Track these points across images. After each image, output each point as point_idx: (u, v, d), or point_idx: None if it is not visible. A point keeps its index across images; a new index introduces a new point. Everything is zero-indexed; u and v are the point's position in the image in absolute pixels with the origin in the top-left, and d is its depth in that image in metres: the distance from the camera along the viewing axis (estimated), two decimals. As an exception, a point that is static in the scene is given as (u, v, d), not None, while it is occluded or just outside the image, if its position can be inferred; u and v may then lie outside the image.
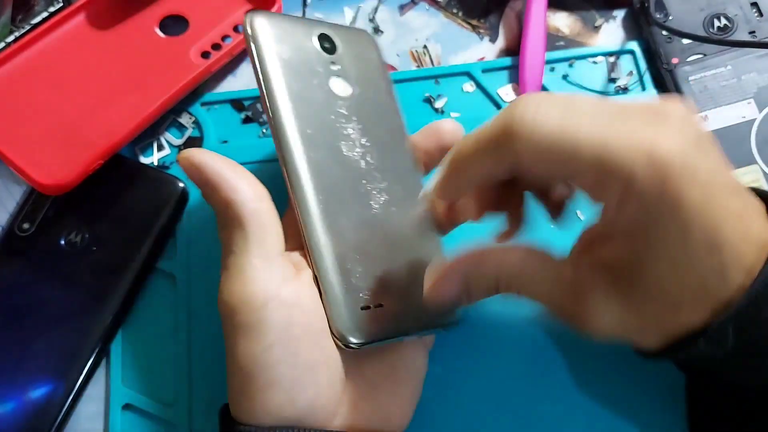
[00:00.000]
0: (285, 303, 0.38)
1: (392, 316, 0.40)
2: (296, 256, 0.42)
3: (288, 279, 0.40)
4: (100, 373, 0.52)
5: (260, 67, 0.43)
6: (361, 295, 0.39)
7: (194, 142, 0.59)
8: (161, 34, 0.61)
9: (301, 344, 0.38)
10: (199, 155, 0.42)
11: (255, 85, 0.61)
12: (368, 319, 0.39)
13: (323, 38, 0.48)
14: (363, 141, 0.45)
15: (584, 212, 0.55)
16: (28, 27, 0.61)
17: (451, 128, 0.48)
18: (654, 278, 0.35)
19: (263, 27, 0.44)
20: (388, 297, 0.40)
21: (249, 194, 0.42)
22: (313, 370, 0.38)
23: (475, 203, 0.42)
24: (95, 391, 0.52)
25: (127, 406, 0.51)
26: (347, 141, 0.45)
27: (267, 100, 0.43)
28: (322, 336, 0.39)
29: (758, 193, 0.37)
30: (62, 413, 0.49)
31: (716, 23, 0.62)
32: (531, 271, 0.38)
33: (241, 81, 0.62)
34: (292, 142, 0.43)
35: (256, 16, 0.45)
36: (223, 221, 0.42)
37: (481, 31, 0.64)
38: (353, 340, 0.38)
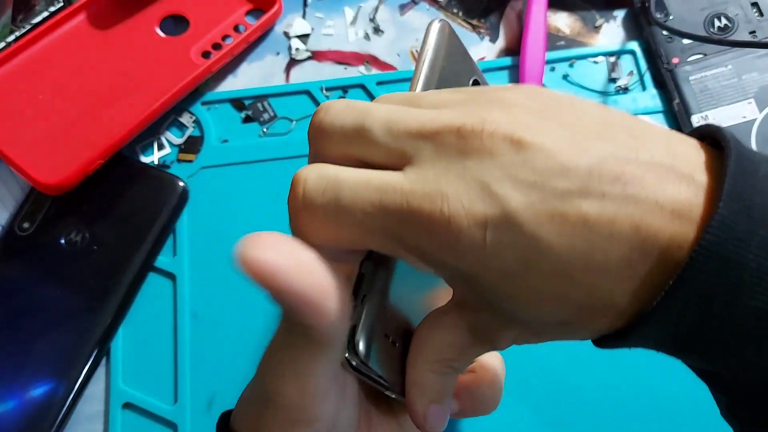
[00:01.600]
0: (340, 392, 0.36)
1: (396, 360, 0.39)
2: None
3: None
4: (101, 371, 0.52)
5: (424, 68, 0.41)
6: (387, 324, 0.38)
7: (195, 141, 0.59)
8: (162, 34, 0.61)
9: (334, 424, 0.37)
10: (264, 260, 0.30)
11: (255, 85, 0.61)
12: (381, 350, 0.38)
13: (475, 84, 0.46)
14: None
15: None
16: (28, 27, 0.61)
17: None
18: (525, 319, 0.31)
19: (443, 39, 0.43)
20: (403, 342, 0.39)
21: (335, 316, 0.31)
22: None
23: None
24: (96, 389, 0.52)
25: (127, 405, 0.51)
26: None
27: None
28: (352, 409, 0.38)
29: (700, 131, 0.31)
30: (63, 412, 0.49)
31: (717, 23, 0.62)
32: (449, 344, 0.35)
33: (241, 80, 0.62)
34: None
35: (446, 26, 0.43)
36: (293, 328, 0.33)
37: (482, 31, 0.64)
38: (361, 353, 0.37)
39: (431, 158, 0.29)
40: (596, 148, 0.28)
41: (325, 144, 0.32)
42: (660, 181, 0.27)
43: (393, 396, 0.39)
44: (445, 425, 0.37)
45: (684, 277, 0.26)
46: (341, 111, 0.31)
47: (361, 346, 0.36)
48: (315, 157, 0.32)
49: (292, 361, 0.34)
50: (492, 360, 0.43)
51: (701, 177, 0.27)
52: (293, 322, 0.32)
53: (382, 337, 0.36)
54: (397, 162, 0.30)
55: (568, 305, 0.28)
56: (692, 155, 0.28)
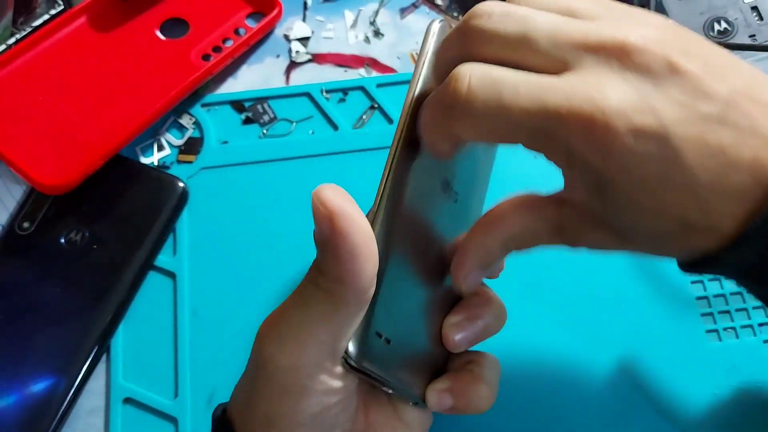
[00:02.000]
0: (332, 374, 0.36)
1: (390, 357, 0.39)
2: None
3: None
4: (101, 367, 0.52)
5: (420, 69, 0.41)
6: (380, 322, 0.38)
7: (194, 142, 0.59)
8: (162, 37, 0.61)
9: (330, 411, 0.36)
10: (342, 217, 0.32)
11: (255, 87, 0.61)
12: (377, 348, 0.38)
13: None
14: (455, 190, 0.44)
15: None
16: (29, 29, 0.61)
17: None
18: (627, 226, 0.33)
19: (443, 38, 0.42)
20: (400, 341, 0.39)
21: (365, 283, 0.34)
22: (331, 430, 0.37)
23: None
24: (96, 385, 0.52)
25: (127, 400, 0.51)
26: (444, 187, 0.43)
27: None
28: (349, 403, 0.38)
29: None
30: (63, 407, 0.49)
31: (716, 27, 0.62)
32: (529, 230, 0.37)
33: (241, 83, 0.62)
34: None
35: (446, 25, 0.43)
36: (320, 284, 0.35)
37: (481, 33, 0.64)
38: (352, 353, 0.37)
39: (593, 67, 0.31)
40: (729, 80, 0.30)
41: (482, 47, 0.33)
42: None
43: (389, 392, 0.39)
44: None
45: None
46: (503, 18, 0.33)
47: (353, 347, 0.36)
48: (466, 56, 0.33)
49: (294, 327, 0.35)
50: (490, 359, 0.43)
51: None
52: (320, 278, 0.34)
53: (375, 335, 0.36)
54: (556, 68, 0.31)
55: (680, 221, 0.31)
56: None
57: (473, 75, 0.32)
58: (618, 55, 0.30)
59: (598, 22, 0.32)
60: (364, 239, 0.33)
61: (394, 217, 0.37)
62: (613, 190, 0.31)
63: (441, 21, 0.41)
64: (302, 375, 0.35)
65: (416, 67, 0.39)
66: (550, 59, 0.32)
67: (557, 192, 0.36)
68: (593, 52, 0.31)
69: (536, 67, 0.32)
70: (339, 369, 0.36)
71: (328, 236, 0.33)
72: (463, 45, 0.34)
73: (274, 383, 0.36)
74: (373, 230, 0.35)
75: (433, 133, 0.35)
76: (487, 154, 0.47)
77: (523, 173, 0.56)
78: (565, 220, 0.35)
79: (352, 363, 0.36)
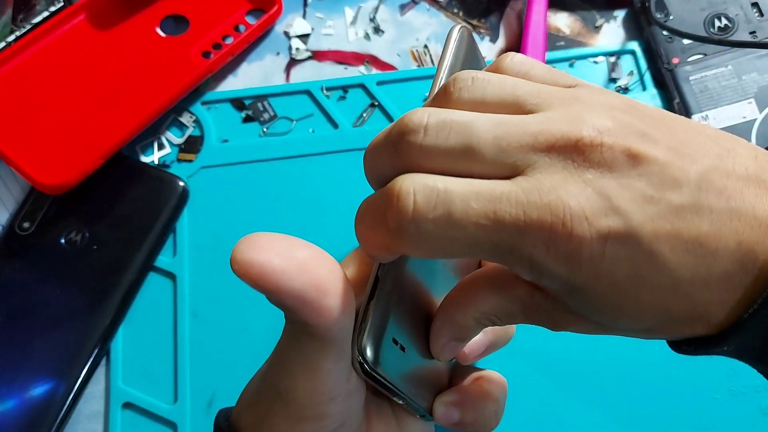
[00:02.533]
0: (350, 395, 0.36)
1: (404, 368, 0.39)
2: None
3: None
4: (101, 371, 0.52)
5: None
6: (395, 330, 0.38)
7: (195, 140, 0.59)
8: (162, 34, 0.61)
9: (341, 425, 0.36)
10: (257, 261, 0.30)
11: (255, 85, 0.61)
12: (390, 355, 0.38)
13: None
14: None
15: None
16: (29, 26, 0.61)
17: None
18: (607, 323, 0.31)
19: (462, 45, 0.42)
20: (412, 350, 0.39)
21: (335, 313, 0.31)
22: None
23: None
24: (96, 389, 0.52)
25: (127, 405, 0.51)
26: None
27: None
28: (357, 412, 0.38)
29: None
30: (63, 411, 0.49)
31: (717, 23, 0.62)
32: (501, 309, 0.35)
33: (241, 80, 0.62)
34: None
35: (465, 31, 0.43)
36: (295, 329, 0.34)
37: (482, 30, 0.64)
38: (369, 358, 0.37)
39: (547, 168, 0.28)
40: (698, 159, 0.28)
41: (422, 161, 0.30)
42: (757, 195, 0.28)
43: (400, 402, 0.39)
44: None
45: None
46: (439, 131, 0.29)
47: (370, 352, 0.36)
48: (408, 168, 0.30)
49: (302, 359, 0.34)
50: (499, 379, 0.43)
51: None
52: (296, 321, 0.32)
53: (391, 342, 0.36)
54: (507, 173, 0.29)
55: (662, 316, 0.29)
56: None
57: (418, 191, 0.28)
58: (573, 154, 0.28)
59: (547, 114, 0.29)
60: (307, 280, 0.30)
61: None
62: (586, 295, 0.29)
63: (461, 27, 0.40)
64: (320, 405, 0.35)
65: (437, 74, 0.38)
66: (498, 167, 0.29)
67: None
68: (545, 152, 0.28)
69: (485, 175, 0.29)
70: (352, 387, 0.36)
71: (269, 296, 0.30)
72: (400, 159, 0.30)
73: (294, 413, 0.35)
74: None
75: (373, 251, 0.32)
76: None
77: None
78: (540, 306, 0.33)
79: (368, 368, 0.36)
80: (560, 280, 0.28)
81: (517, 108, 0.30)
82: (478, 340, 0.42)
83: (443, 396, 0.41)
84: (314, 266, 0.31)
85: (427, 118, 0.29)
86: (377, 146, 0.32)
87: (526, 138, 0.29)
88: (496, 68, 0.34)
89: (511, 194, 0.28)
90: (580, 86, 0.32)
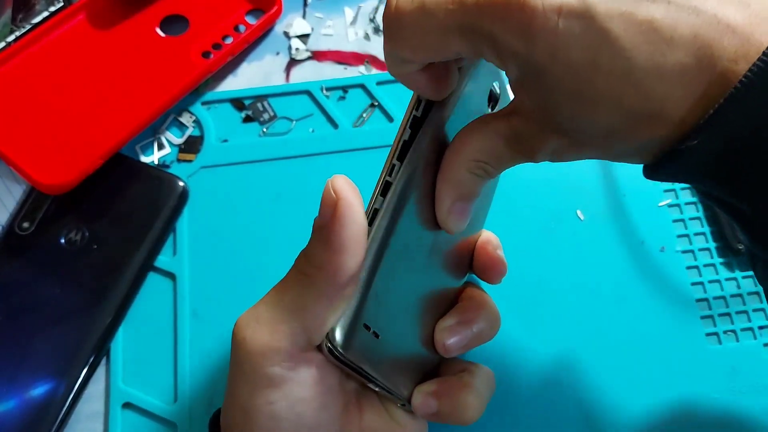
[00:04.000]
0: (305, 362, 0.36)
1: (379, 354, 0.39)
2: None
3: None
4: (101, 371, 0.52)
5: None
6: (371, 315, 0.38)
7: (194, 140, 0.59)
8: (162, 34, 0.61)
9: (310, 405, 0.37)
10: (345, 206, 0.35)
11: (255, 85, 0.61)
12: (363, 342, 0.38)
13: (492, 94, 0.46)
14: None
15: (584, 212, 0.56)
16: (28, 26, 0.61)
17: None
18: (572, 125, 0.31)
19: None
20: (390, 338, 0.39)
21: (345, 278, 0.35)
22: (314, 429, 0.37)
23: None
24: (96, 389, 0.52)
25: (127, 405, 0.51)
26: None
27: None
28: (330, 396, 0.38)
29: None
30: (63, 412, 0.49)
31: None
32: (486, 148, 0.36)
33: (241, 80, 0.62)
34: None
35: None
36: (303, 269, 0.36)
37: (482, 30, 0.64)
38: (339, 343, 0.37)
39: None
40: None
41: None
42: (720, 2, 0.28)
43: (376, 389, 0.39)
44: (464, 227, 0.40)
45: (737, 94, 0.27)
46: None
47: (339, 336, 0.36)
48: None
49: (269, 311, 0.37)
50: (484, 371, 0.43)
51: (758, 5, 0.28)
52: (303, 263, 0.36)
53: (362, 328, 0.37)
54: None
55: (620, 110, 0.29)
56: None
57: None
58: None
59: None
60: (357, 234, 0.35)
61: (397, 216, 0.37)
62: (545, 80, 0.30)
63: None
64: (273, 362, 0.36)
65: None
66: None
67: (506, 106, 0.35)
68: None
69: None
70: (315, 361, 0.37)
71: (327, 220, 0.35)
72: None
73: (247, 371, 0.36)
74: (374, 223, 0.36)
75: (387, 62, 0.36)
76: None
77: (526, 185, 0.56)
78: (516, 131, 0.34)
79: (337, 352, 0.36)
80: (520, 58, 0.30)
81: None
82: (461, 331, 0.42)
83: (423, 385, 0.41)
84: (364, 237, 0.35)
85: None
86: None
87: None
88: None
89: None
90: None
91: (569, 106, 0.30)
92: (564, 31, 0.28)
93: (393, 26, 0.33)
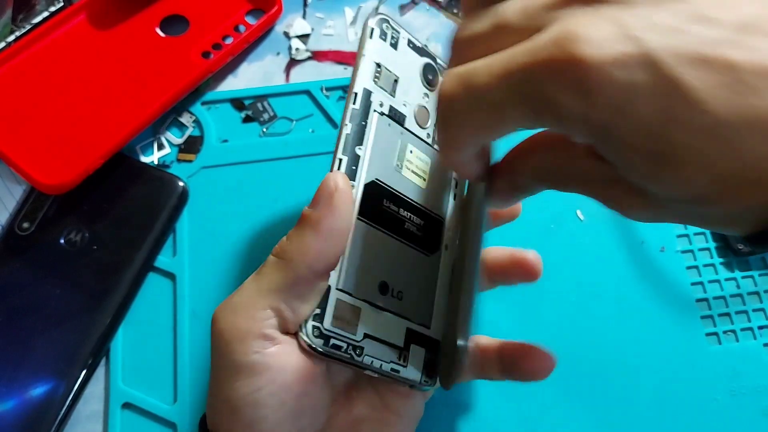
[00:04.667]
0: (284, 349, 0.37)
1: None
2: None
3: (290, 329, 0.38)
4: (100, 372, 0.52)
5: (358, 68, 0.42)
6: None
7: (195, 141, 0.59)
8: (162, 34, 0.61)
9: (291, 393, 0.37)
10: (340, 198, 0.37)
11: (255, 85, 0.61)
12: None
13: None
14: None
15: (584, 213, 0.56)
16: (28, 27, 0.61)
17: (534, 260, 0.45)
18: (651, 188, 0.28)
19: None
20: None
21: (322, 267, 0.37)
22: (298, 418, 0.37)
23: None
24: (95, 389, 0.52)
25: (126, 405, 0.51)
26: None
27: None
28: (313, 384, 0.38)
29: None
30: (62, 412, 0.49)
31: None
32: (563, 166, 0.34)
33: (241, 80, 0.62)
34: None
35: (379, 18, 0.44)
36: (283, 254, 0.37)
37: (482, 30, 0.64)
38: (318, 343, 0.37)
39: (566, 18, 0.27)
40: (745, 7, 0.25)
41: (468, 52, 0.31)
42: None
43: (375, 375, 0.39)
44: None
45: None
46: (477, 20, 0.31)
47: (315, 333, 0.37)
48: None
49: (245, 298, 0.37)
50: None
51: None
52: (283, 247, 0.37)
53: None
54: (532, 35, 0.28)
55: (707, 171, 0.25)
56: None
57: (446, 81, 0.30)
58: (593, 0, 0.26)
59: None
60: (344, 228, 0.37)
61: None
62: (613, 138, 0.26)
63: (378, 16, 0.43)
64: (253, 348, 0.36)
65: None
66: (526, 31, 0.28)
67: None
68: (566, 5, 0.27)
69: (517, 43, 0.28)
70: (295, 348, 0.37)
71: (320, 208, 0.37)
72: (453, 60, 0.32)
73: (228, 361, 0.36)
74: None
75: (445, 154, 0.34)
76: None
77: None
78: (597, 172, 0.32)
79: (321, 350, 0.37)
80: (581, 118, 0.26)
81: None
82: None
83: None
84: (348, 234, 0.38)
85: (469, 20, 0.31)
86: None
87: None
88: None
89: (525, 44, 0.27)
90: None
91: (644, 166, 0.26)
92: (627, 85, 0.25)
93: (445, 115, 0.31)
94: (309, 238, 0.36)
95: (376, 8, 0.65)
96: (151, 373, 0.52)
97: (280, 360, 0.36)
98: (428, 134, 0.45)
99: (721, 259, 0.55)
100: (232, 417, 0.36)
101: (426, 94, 0.46)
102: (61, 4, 0.62)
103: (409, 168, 0.43)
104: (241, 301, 0.37)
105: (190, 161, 0.58)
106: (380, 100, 0.42)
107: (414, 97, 0.45)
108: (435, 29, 0.64)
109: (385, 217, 0.41)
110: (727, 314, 0.53)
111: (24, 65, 0.58)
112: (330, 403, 0.40)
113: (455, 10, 0.65)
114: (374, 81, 0.42)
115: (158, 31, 0.61)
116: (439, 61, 0.47)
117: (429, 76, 0.46)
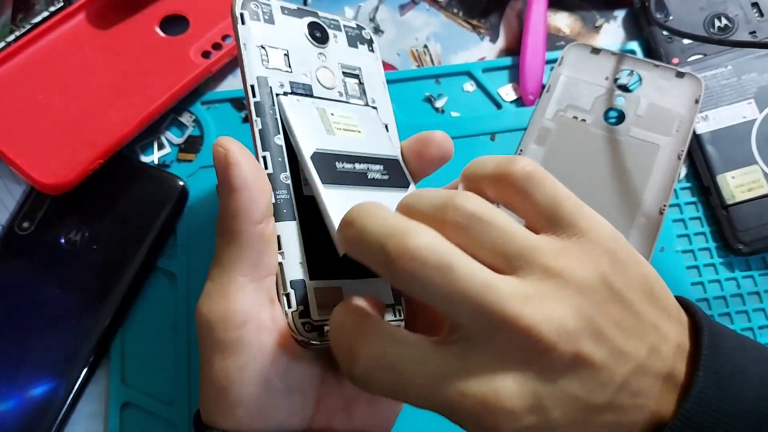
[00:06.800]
0: (263, 326, 0.37)
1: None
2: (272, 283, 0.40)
3: (267, 304, 0.38)
4: (101, 371, 0.52)
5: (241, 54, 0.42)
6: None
7: (194, 140, 0.59)
8: (162, 34, 0.61)
9: (275, 369, 0.37)
10: (236, 152, 0.38)
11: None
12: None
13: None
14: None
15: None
16: (28, 26, 0.61)
17: (440, 140, 0.44)
18: None
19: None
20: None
21: (258, 213, 0.37)
22: (285, 396, 0.38)
23: None
24: (95, 389, 0.52)
25: (126, 405, 0.51)
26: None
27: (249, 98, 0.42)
28: (297, 363, 0.38)
29: (682, 304, 0.36)
30: (63, 412, 0.49)
31: (717, 23, 0.62)
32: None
33: (241, 80, 0.62)
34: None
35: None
36: (223, 229, 0.38)
37: (482, 30, 0.64)
38: (308, 336, 0.37)
39: (501, 350, 0.31)
40: (631, 359, 0.32)
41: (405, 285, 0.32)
42: (660, 392, 0.32)
43: None
44: None
45: None
46: (423, 262, 0.31)
47: (305, 327, 0.37)
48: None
49: (215, 282, 0.38)
50: None
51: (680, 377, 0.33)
52: (224, 224, 0.38)
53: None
54: (458, 328, 0.32)
55: None
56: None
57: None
58: (528, 349, 0.30)
59: (523, 286, 0.31)
60: (255, 170, 0.38)
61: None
62: None
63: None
64: (235, 324, 0.36)
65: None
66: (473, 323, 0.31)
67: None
68: (499, 329, 0.30)
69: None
70: (277, 324, 0.37)
71: (224, 170, 0.37)
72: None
73: (210, 341, 0.37)
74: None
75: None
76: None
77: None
78: None
79: (315, 343, 0.37)
80: None
81: (504, 263, 0.32)
82: None
83: None
84: (263, 172, 0.39)
85: (422, 246, 0.30)
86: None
87: (499, 307, 0.30)
88: (503, 174, 0.35)
89: (458, 372, 0.31)
90: (576, 236, 0.33)
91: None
92: None
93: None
94: (231, 199, 0.37)
95: (376, 8, 0.65)
96: (151, 373, 0.52)
97: (260, 338, 0.37)
98: (339, 92, 0.45)
99: (721, 259, 0.55)
100: (220, 398, 0.37)
101: (321, 54, 0.45)
102: (61, 3, 0.62)
103: (340, 128, 0.43)
104: (212, 285, 0.38)
105: (190, 161, 0.58)
106: (278, 81, 0.42)
107: (311, 62, 0.44)
108: (435, 29, 0.64)
109: (348, 176, 0.41)
110: (727, 314, 0.53)
111: (24, 65, 0.57)
112: (319, 383, 0.40)
113: (455, 10, 0.65)
114: (264, 65, 0.42)
115: (158, 30, 0.61)
116: (321, 14, 0.46)
117: (316, 33, 0.46)
